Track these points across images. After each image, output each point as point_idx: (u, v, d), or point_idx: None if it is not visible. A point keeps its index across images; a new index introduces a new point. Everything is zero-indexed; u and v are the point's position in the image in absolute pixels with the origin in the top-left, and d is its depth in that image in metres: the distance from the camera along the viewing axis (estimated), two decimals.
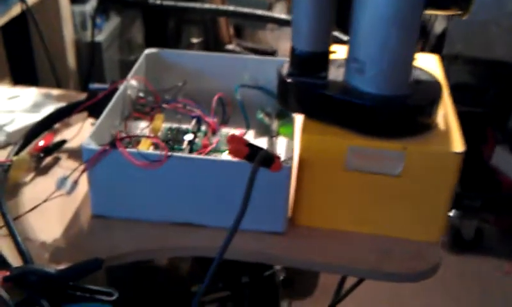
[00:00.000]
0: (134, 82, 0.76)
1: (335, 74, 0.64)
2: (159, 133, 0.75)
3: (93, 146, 0.61)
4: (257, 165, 0.56)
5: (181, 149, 0.71)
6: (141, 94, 0.77)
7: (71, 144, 0.78)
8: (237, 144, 0.58)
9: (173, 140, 0.75)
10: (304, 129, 0.62)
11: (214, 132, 0.76)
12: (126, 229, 0.64)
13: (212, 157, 0.68)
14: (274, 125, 0.79)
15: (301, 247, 0.63)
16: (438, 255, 0.62)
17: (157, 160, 0.60)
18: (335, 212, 0.64)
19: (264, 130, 0.79)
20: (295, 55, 0.64)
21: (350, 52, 0.61)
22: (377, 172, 0.60)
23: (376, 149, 0.59)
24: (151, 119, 0.76)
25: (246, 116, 0.77)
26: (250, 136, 0.78)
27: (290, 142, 0.74)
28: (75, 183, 0.62)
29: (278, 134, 0.77)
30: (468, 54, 1.61)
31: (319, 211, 0.64)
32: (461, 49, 1.59)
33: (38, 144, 0.75)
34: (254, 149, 0.58)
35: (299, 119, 0.66)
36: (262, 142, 0.78)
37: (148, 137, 0.70)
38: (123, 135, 0.67)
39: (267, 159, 0.58)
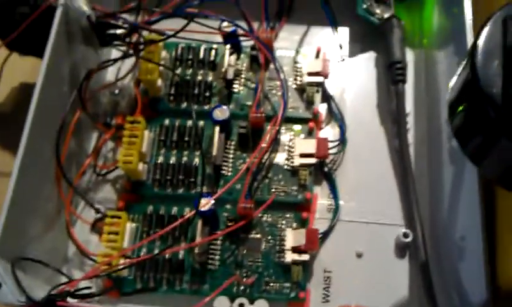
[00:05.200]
0: None
1: None
2: (158, 83, 0.35)
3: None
4: None
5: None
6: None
7: None
8: None
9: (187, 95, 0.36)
10: None
11: (267, 63, 0.37)
12: None
13: None
14: (393, 23, 0.37)
15: None
16: None
17: None
18: None
19: (372, 36, 0.39)
20: None
21: None
22: None
23: None
24: (135, 53, 0.35)
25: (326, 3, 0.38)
26: (345, 54, 0.38)
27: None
28: None
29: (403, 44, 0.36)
30: None
31: None
32: None
33: None
34: None
35: None
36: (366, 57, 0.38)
37: None
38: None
39: None
